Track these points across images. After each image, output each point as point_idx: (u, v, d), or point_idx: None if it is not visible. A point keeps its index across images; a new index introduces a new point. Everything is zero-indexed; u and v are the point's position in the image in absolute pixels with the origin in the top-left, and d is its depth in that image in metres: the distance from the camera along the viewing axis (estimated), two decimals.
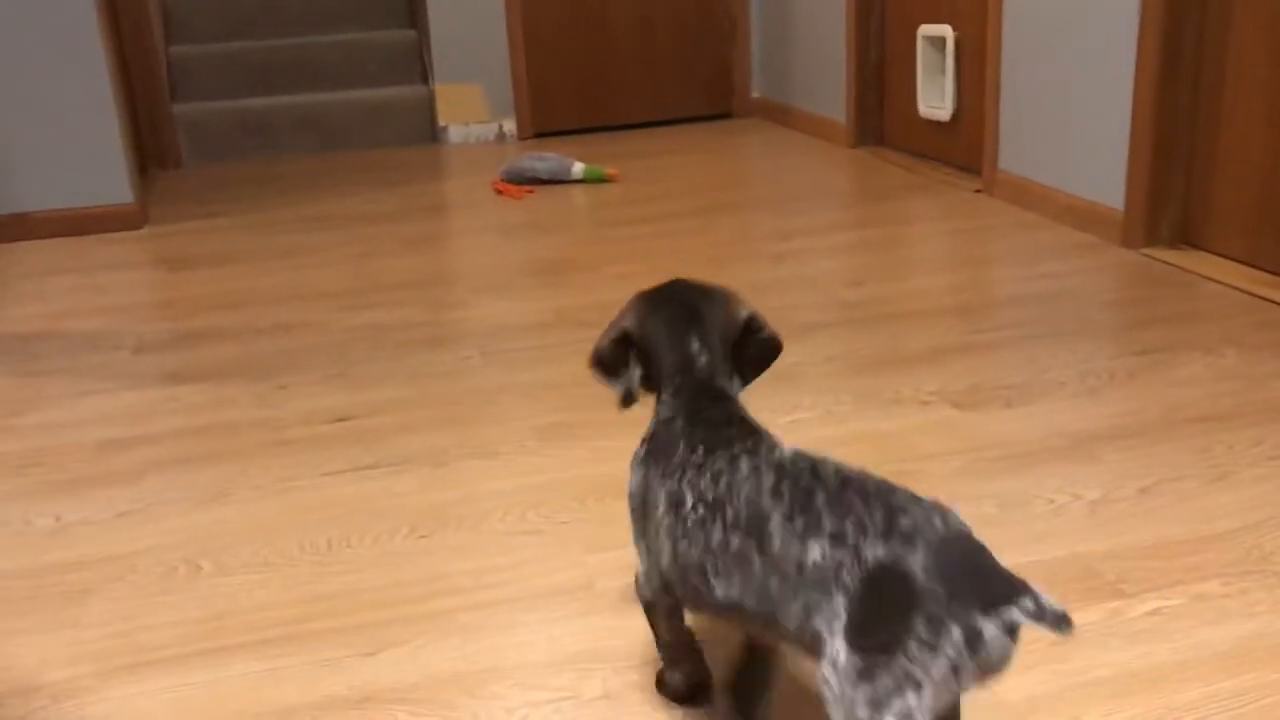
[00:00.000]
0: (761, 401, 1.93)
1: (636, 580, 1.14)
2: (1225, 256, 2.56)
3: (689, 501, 1.02)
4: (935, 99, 3.65)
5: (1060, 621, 0.86)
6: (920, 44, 3.64)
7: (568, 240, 3.12)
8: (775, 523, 0.95)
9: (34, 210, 3.42)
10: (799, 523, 0.94)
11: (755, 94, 4.96)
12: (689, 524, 1.01)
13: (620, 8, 4.74)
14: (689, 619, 1.15)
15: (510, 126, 4.73)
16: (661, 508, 1.05)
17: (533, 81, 4.71)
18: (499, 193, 3.73)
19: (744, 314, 1.19)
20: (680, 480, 1.04)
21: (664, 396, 1.17)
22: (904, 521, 0.93)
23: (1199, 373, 1.98)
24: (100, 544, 1.60)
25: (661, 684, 1.21)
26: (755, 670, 1.14)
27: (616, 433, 1.86)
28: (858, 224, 3.14)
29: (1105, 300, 2.39)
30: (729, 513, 0.99)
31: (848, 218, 3.23)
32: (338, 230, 3.37)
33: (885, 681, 0.86)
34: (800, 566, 0.92)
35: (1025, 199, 3.13)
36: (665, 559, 1.05)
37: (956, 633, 0.85)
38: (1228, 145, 2.51)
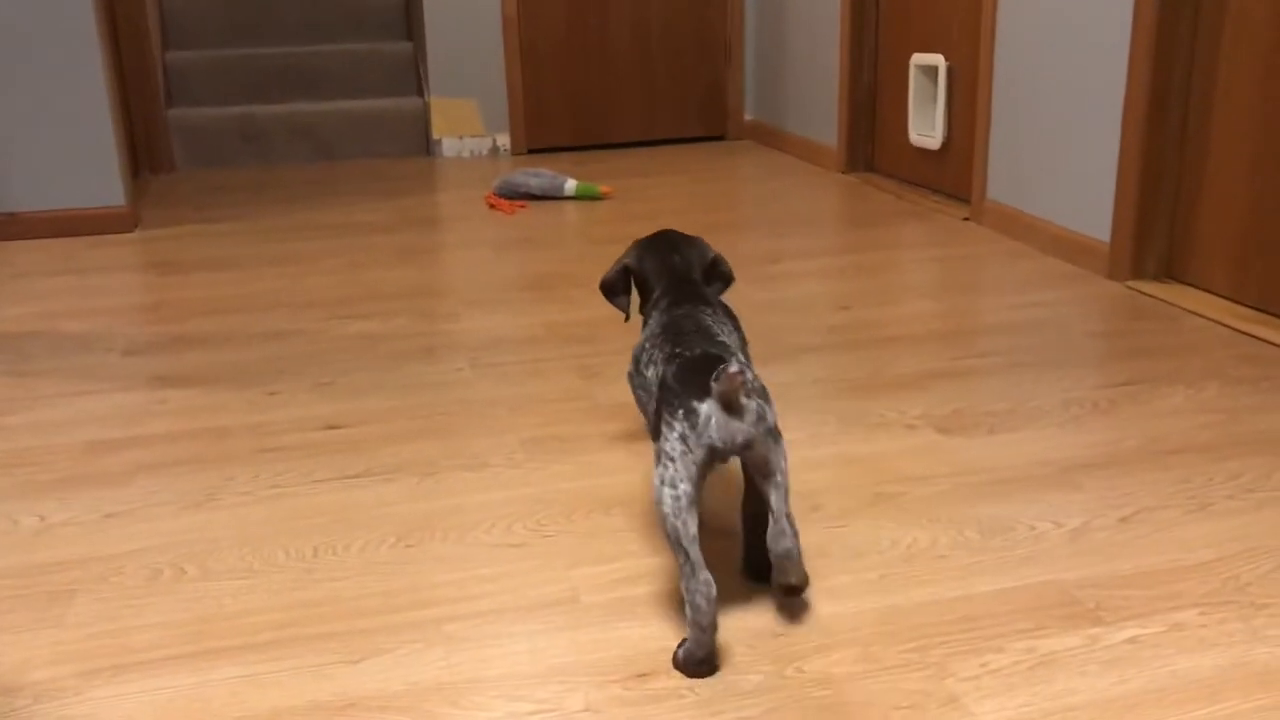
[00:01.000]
0: None
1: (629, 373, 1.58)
2: (1209, 291, 2.59)
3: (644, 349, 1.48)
4: (926, 127, 3.69)
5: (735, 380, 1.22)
6: (913, 72, 3.68)
7: (559, 256, 3.14)
8: (646, 353, 1.44)
9: (27, 210, 3.42)
10: (658, 356, 1.39)
11: (748, 117, 5.00)
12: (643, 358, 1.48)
13: (617, 27, 4.78)
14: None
15: (504, 141, 4.75)
16: (644, 357, 1.48)
17: (528, 97, 4.74)
18: (492, 207, 3.75)
19: (711, 254, 1.64)
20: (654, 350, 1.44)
21: (652, 314, 1.55)
22: (683, 350, 1.35)
23: (1181, 405, 2.00)
24: (86, 545, 1.61)
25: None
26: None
27: (604, 448, 1.87)
28: (847, 248, 3.17)
29: (1089, 331, 2.42)
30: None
31: (837, 242, 3.25)
32: (330, 239, 3.38)
33: (658, 459, 1.28)
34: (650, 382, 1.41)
35: (1013, 228, 3.17)
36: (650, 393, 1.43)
37: (680, 415, 1.26)
38: (1213, 182, 2.55)
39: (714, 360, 1.29)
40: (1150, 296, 2.63)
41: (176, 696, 1.26)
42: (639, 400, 1.51)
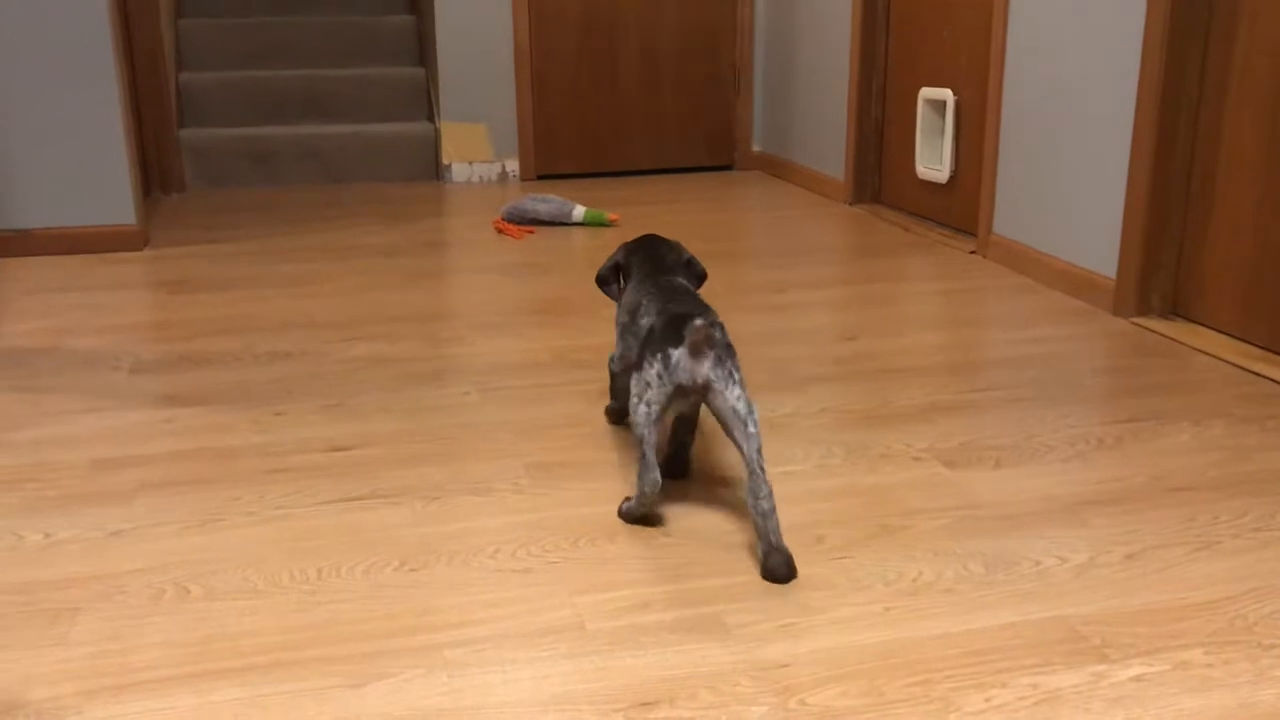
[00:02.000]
0: None
1: (611, 360, 1.99)
2: (1215, 329, 2.60)
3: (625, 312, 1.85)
4: (933, 160, 3.70)
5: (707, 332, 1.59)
6: (921, 106, 3.70)
7: (566, 281, 3.15)
8: (643, 309, 1.76)
9: (39, 227, 3.44)
10: (653, 309, 1.72)
11: (756, 147, 5.02)
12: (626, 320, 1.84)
13: (628, 57, 4.81)
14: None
15: (513, 167, 4.78)
16: (626, 318, 1.84)
17: (538, 124, 4.77)
18: (500, 232, 3.77)
19: (687, 255, 1.97)
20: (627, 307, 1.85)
21: (640, 285, 1.87)
22: (673, 307, 1.68)
23: (1186, 443, 2.00)
24: (90, 563, 1.61)
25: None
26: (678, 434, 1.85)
27: (609, 474, 1.87)
28: (853, 279, 3.18)
29: (1095, 367, 2.42)
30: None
31: (843, 273, 3.26)
32: (338, 261, 3.39)
33: (637, 383, 1.66)
34: (637, 327, 1.75)
35: (1019, 263, 3.18)
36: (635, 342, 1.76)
37: (659, 357, 1.62)
38: (1219, 221, 2.56)
39: (690, 317, 1.60)
40: (1156, 333, 2.63)
41: (178, 718, 1.26)
42: (626, 344, 1.84)
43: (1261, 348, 2.47)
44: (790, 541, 1.63)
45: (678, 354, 1.60)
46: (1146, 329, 2.66)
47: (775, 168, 4.86)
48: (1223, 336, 2.56)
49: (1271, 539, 1.64)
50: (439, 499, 1.80)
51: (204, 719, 1.25)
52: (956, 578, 1.54)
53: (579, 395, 2.26)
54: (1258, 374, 2.34)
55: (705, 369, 1.60)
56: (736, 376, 1.61)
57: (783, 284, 3.11)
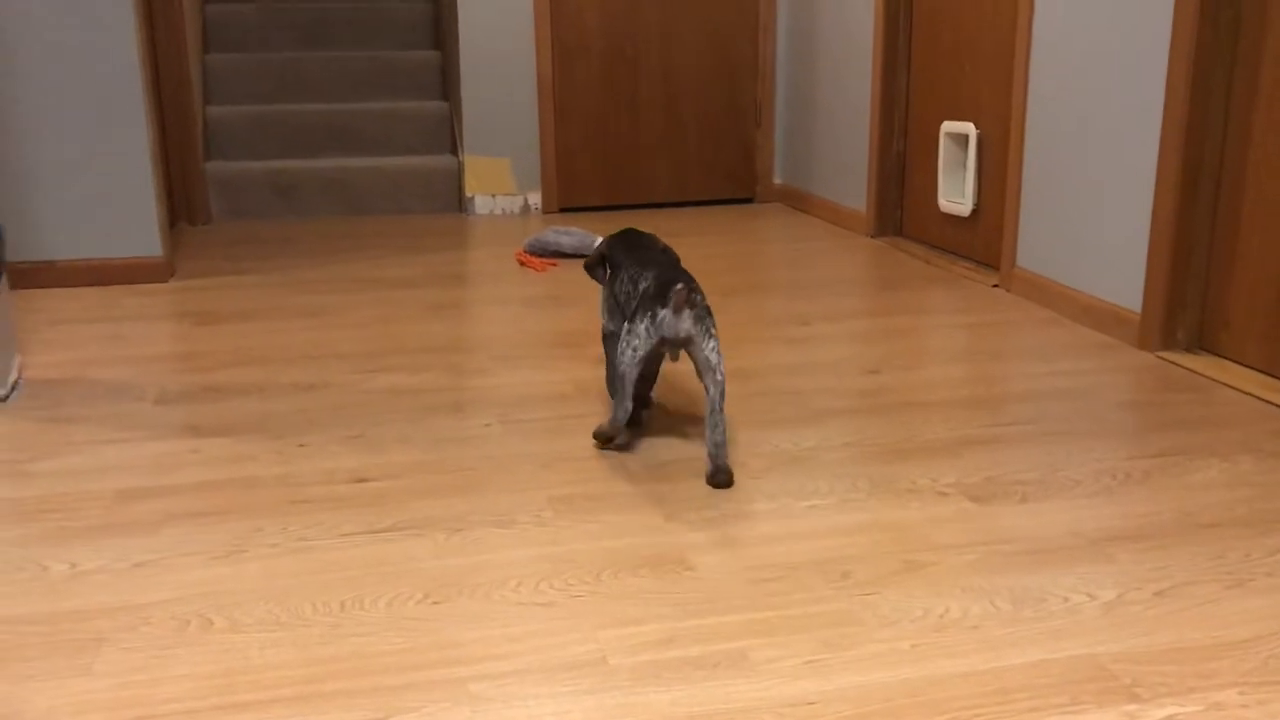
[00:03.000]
0: (778, 487, 1.95)
1: (603, 328, 2.28)
2: (1241, 363, 2.58)
3: (621, 289, 2.13)
4: (956, 194, 3.70)
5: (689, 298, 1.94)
6: (943, 139, 3.71)
7: (589, 314, 3.16)
8: (642, 277, 2.04)
9: (65, 259, 3.48)
10: (649, 275, 2.01)
11: (777, 180, 5.04)
12: (621, 296, 2.13)
13: (649, 90, 4.84)
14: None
15: (535, 200, 4.80)
16: (621, 295, 2.12)
17: (560, 157, 4.80)
18: (522, 264, 3.78)
19: (661, 244, 2.25)
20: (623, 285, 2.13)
21: (625, 263, 2.16)
22: (664, 275, 1.98)
23: (1215, 478, 1.98)
24: (115, 593, 1.61)
25: (597, 433, 2.14)
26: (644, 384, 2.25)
27: (632, 507, 1.87)
28: (875, 312, 3.17)
29: (1121, 401, 2.40)
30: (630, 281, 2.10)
31: (866, 305, 3.26)
32: (361, 293, 3.41)
33: (628, 334, 1.98)
34: (638, 293, 2.03)
35: (1043, 296, 3.16)
36: (621, 317, 2.11)
37: (649, 315, 1.94)
38: (1245, 253, 2.54)
39: (675, 280, 1.93)
40: (1182, 368, 2.61)
41: None
42: (618, 304, 2.15)
43: None
44: (815, 577, 1.62)
45: (664, 312, 1.94)
46: (1172, 363, 2.64)
47: (796, 200, 4.87)
48: (1249, 371, 2.54)
49: None
50: (461, 531, 1.80)
51: None
52: (984, 614, 1.53)
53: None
54: None
55: (687, 324, 1.94)
56: (712, 332, 1.96)
57: (805, 316, 3.11)
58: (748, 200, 5.07)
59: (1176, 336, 2.71)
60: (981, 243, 3.62)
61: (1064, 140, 3.06)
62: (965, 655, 1.42)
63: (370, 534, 1.79)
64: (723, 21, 4.85)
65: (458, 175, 4.80)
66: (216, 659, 1.44)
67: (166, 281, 3.56)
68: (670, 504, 1.89)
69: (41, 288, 3.47)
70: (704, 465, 2.02)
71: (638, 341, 1.97)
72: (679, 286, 1.91)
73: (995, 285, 3.40)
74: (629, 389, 2.02)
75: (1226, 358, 2.62)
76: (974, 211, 3.62)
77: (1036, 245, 3.21)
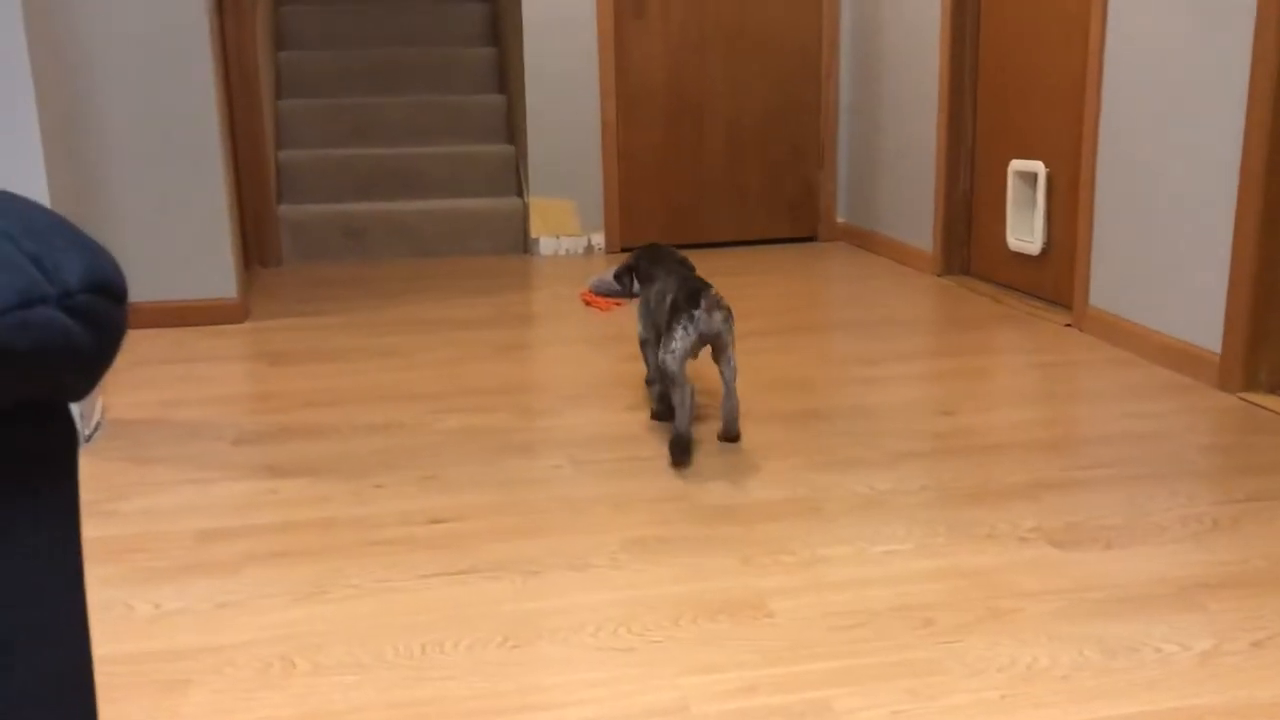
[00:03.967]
0: (855, 531, 1.93)
1: (640, 336, 2.65)
2: None
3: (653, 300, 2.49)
4: (1025, 232, 3.67)
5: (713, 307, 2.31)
6: (1011, 178, 3.68)
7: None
8: (669, 289, 2.39)
9: (146, 301, 3.56)
10: (674, 285, 2.40)
11: (840, 219, 5.03)
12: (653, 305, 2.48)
13: (712, 130, 4.87)
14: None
15: (599, 240, 4.84)
16: (654, 304, 2.48)
17: (623, 197, 4.83)
18: (588, 304, 3.80)
19: (679, 255, 2.58)
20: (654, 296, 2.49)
21: (655, 278, 2.53)
22: (690, 284, 2.34)
23: None
24: (199, 634, 1.63)
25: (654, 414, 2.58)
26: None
27: (706, 550, 1.86)
28: (945, 352, 3.14)
29: (1203, 444, 2.35)
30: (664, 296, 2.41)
31: (935, 345, 3.23)
32: (431, 334, 3.45)
33: (667, 339, 2.29)
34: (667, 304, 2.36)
35: (1117, 336, 3.11)
36: (652, 324, 2.51)
37: (686, 318, 2.27)
38: None
39: (703, 288, 2.32)
40: (1265, 409, 2.55)
41: None
42: (645, 325, 2.59)
43: None
44: (897, 624, 1.59)
45: (699, 313, 2.29)
46: (1255, 405, 2.58)
47: (860, 239, 4.85)
48: None
49: None
50: (538, 574, 1.80)
51: None
52: (1073, 664, 1.49)
53: (672, 468, 2.25)
54: None
55: (718, 322, 2.33)
56: (733, 329, 2.38)
57: (874, 357, 3.09)
58: (810, 239, 5.06)
59: (1259, 377, 2.65)
60: (1051, 281, 3.57)
61: (1137, 176, 3.02)
62: (1055, 706, 1.39)
63: (448, 576, 1.80)
64: (785, 66, 4.87)
65: (523, 217, 4.85)
66: (300, 701, 1.45)
67: (241, 323, 3.63)
68: (745, 547, 1.88)
69: None
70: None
71: (676, 344, 2.29)
72: (711, 292, 2.32)
73: (1067, 324, 3.36)
74: (682, 379, 2.31)
75: None
76: (1044, 250, 3.58)
77: (1110, 283, 3.17)
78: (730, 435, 2.43)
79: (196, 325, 3.59)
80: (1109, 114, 3.13)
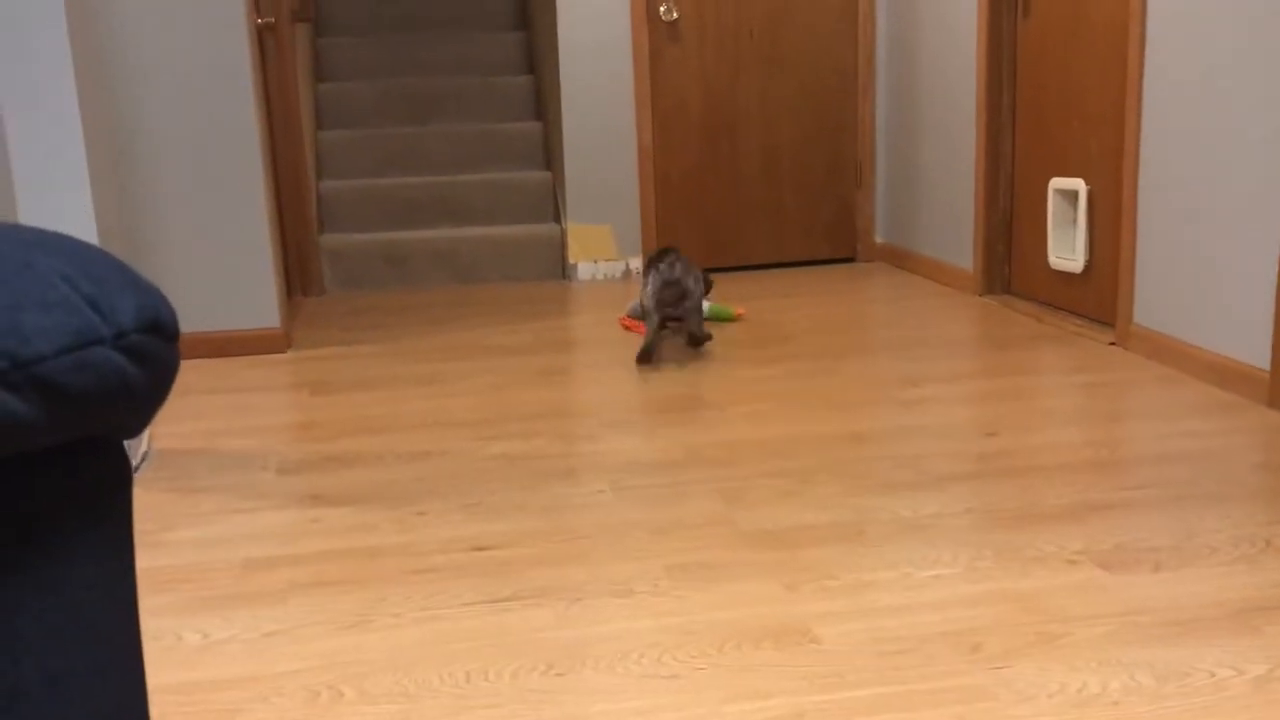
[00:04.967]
0: (900, 555, 1.91)
1: (642, 305, 3.48)
2: None
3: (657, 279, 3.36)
4: (1066, 250, 3.64)
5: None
6: (1051, 196, 3.65)
7: (695, 378, 3.16)
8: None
9: (190, 331, 3.61)
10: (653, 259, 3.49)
11: (879, 239, 5.01)
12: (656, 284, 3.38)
13: (748, 153, 4.87)
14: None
15: (637, 264, 4.85)
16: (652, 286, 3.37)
17: (661, 221, 4.84)
18: (626, 329, 3.81)
19: (677, 251, 3.42)
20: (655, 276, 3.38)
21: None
22: (660, 249, 3.54)
23: None
24: (247, 664, 1.64)
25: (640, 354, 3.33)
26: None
27: (750, 576, 1.85)
28: (988, 372, 3.11)
29: (1254, 463, 2.31)
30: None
31: (977, 366, 3.20)
32: (472, 360, 3.47)
33: (646, 285, 3.39)
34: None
35: (1162, 354, 3.07)
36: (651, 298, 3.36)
37: (654, 269, 3.36)
38: None
39: (670, 252, 3.32)
40: None
41: None
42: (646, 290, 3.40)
43: None
44: (944, 649, 1.58)
45: (663, 265, 3.28)
46: None
47: (899, 259, 4.83)
48: None
49: None
50: (581, 600, 1.80)
51: None
52: (1124, 689, 1.47)
53: (715, 493, 2.25)
54: None
55: (678, 270, 3.22)
56: (696, 276, 3.28)
57: (916, 378, 3.07)
58: (848, 260, 5.04)
59: None
60: (1094, 299, 3.54)
61: (1180, 193, 2.99)
62: None
63: (492, 603, 1.80)
64: (821, 86, 4.88)
65: (561, 242, 4.88)
66: None
67: (284, 352, 3.67)
68: (788, 572, 1.87)
69: None
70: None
71: (649, 285, 3.30)
72: (676, 255, 3.30)
73: (1111, 343, 3.32)
74: (652, 314, 3.30)
75: None
76: (1086, 268, 3.55)
77: (1154, 301, 3.13)
78: (696, 337, 3.37)
79: (240, 355, 3.64)
80: (1149, 131, 3.10)
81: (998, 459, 2.39)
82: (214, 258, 3.59)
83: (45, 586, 0.66)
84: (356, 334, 3.92)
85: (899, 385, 3.00)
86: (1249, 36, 2.69)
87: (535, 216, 5.07)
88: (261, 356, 3.63)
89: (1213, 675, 1.50)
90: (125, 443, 2.48)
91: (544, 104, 5.32)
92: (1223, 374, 2.83)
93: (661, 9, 4.70)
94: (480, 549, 2.02)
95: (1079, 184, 3.52)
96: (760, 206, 4.92)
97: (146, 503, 2.34)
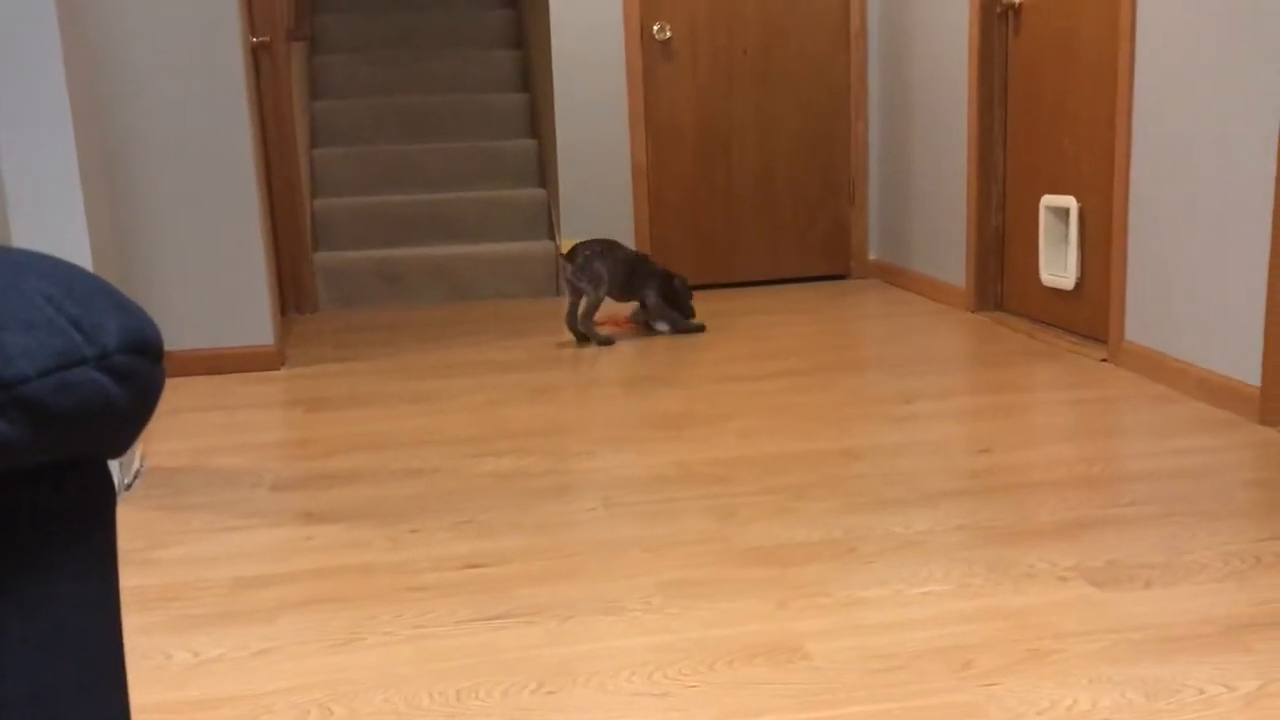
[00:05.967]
0: (892, 572, 1.91)
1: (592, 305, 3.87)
2: None
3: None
4: (1058, 267, 3.65)
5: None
6: (1043, 213, 3.67)
7: (688, 395, 3.17)
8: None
9: (183, 349, 3.61)
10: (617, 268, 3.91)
11: (872, 256, 5.02)
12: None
13: (741, 171, 4.89)
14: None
15: None
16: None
17: (655, 238, 4.85)
18: (618, 326, 3.83)
19: (631, 250, 3.94)
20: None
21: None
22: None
23: None
24: (236, 682, 1.64)
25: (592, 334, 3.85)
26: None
27: (741, 593, 1.85)
28: (981, 389, 3.12)
29: (1244, 479, 2.32)
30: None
31: (970, 382, 3.21)
32: (466, 377, 3.47)
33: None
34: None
35: (1154, 370, 3.08)
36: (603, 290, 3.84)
37: (569, 267, 3.80)
38: None
39: (582, 248, 3.74)
40: None
41: None
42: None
43: None
44: (936, 666, 1.58)
45: (567, 264, 3.74)
46: None
47: (892, 276, 4.85)
48: None
49: None
50: (573, 618, 1.80)
51: None
52: (1115, 707, 1.47)
53: (707, 510, 2.25)
54: None
55: (570, 268, 3.73)
56: (590, 269, 3.72)
57: (909, 394, 3.07)
58: (842, 276, 5.05)
59: None
60: (1086, 316, 3.55)
61: (1171, 210, 3.00)
62: None
63: (483, 621, 1.80)
64: (814, 104, 4.90)
65: (556, 259, 4.88)
66: None
67: (278, 369, 3.67)
68: (780, 589, 1.87)
69: None
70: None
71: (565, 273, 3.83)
72: (582, 250, 3.74)
73: (1103, 359, 3.33)
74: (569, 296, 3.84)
75: None
76: (1077, 284, 3.56)
77: (1146, 318, 3.14)
78: (577, 330, 3.83)
79: (234, 373, 3.64)
80: (1139, 149, 3.12)
81: (990, 476, 2.39)
82: (208, 275, 3.59)
83: (29, 604, 0.66)
84: (351, 351, 3.92)
85: (892, 402, 3.01)
86: (1237, 55, 2.71)
87: (530, 233, 5.09)
88: (255, 374, 3.63)
89: (1203, 692, 1.50)
90: (116, 461, 2.48)
91: (539, 122, 5.34)
92: (1214, 390, 2.84)
93: (655, 28, 4.72)
94: (472, 566, 2.02)
95: (1070, 201, 3.54)
96: (754, 224, 4.94)
97: (138, 521, 2.34)
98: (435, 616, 1.82)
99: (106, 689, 0.72)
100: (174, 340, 3.61)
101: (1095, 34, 3.42)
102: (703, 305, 4.50)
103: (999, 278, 4.09)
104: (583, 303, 3.79)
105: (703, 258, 4.92)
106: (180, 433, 2.99)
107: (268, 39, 4.35)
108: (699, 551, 2.04)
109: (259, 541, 2.19)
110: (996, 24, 3.93)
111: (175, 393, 3.43)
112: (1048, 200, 3.65)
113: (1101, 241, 3.43)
